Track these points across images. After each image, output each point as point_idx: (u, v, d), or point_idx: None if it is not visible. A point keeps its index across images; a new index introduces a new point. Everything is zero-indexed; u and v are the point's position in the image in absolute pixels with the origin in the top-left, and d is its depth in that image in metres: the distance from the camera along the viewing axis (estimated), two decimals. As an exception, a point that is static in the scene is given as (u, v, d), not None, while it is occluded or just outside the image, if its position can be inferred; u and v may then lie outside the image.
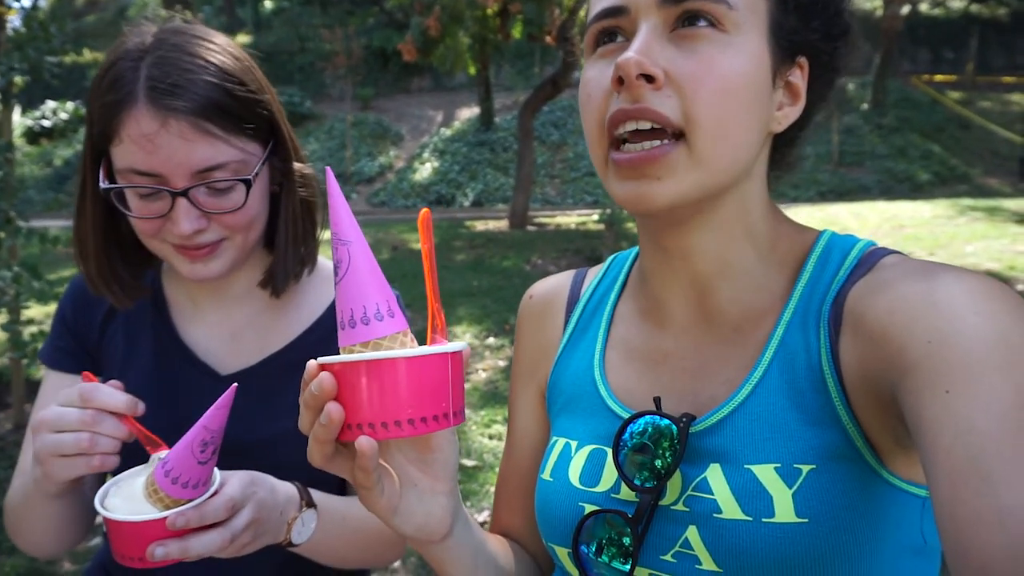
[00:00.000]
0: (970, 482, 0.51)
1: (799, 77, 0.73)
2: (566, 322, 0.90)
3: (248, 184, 0.97)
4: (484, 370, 5.04)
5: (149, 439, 0.86)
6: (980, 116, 16.86)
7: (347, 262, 0.60)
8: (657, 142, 0.66)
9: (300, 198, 1.07)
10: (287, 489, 0.93)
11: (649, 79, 0.65)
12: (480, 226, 10.85)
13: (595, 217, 9.19)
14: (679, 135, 0.67)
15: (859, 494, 0.65)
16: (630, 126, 0.67)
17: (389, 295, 0.61)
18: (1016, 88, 17.79)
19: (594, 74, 0.71)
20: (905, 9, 17.42)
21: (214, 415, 0.78)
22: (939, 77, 18.37)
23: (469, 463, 3.75)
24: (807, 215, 9.99)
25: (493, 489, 3.44)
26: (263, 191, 1.02)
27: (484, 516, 3.28)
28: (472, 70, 11.54)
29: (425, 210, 0.64)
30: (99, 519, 0.90)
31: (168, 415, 1.01)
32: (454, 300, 6.65)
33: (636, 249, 0.89)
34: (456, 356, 0.61)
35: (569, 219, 11.24)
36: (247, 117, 0.97)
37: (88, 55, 18.75)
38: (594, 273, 0.92)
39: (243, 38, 19.95)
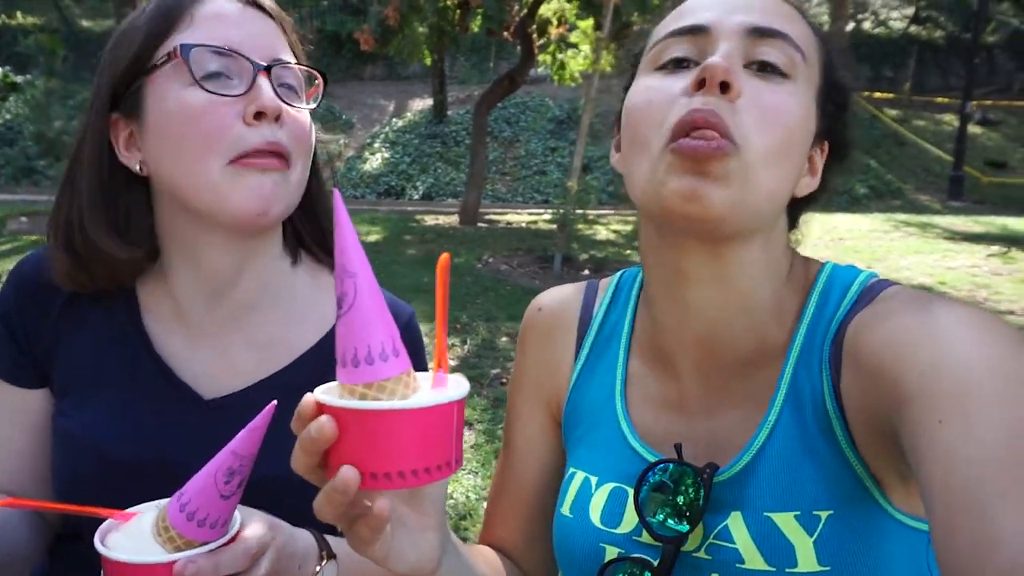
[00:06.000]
0: (965, 511, 0.51)
1: (819, 157, 0.78)
2: (579, 344, 0.88)
3: (324, 77, 0.95)
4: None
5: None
6: (914, 134, 17.56)
7: (352, 296, 0.57)
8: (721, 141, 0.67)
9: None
10: (305, 538, 0.79)
11: (725, 88, 0.67)
12: (431, 220, 10.74)
13: (546, 216, 9.20)
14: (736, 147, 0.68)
15: (874, 536, 0.66)
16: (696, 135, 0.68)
17: (394, 332, 0.58)
18: (948, 108, 18.54)
19: (655, 84, 0.72)
20: (849, 26, 17.98)
21: (246, 439, 0.67)
22: (878, 94, 19.02)
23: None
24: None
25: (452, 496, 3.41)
26: None
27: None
28: (428, 60, 11.41)
29: (445, 255, 0.60)
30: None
31: (143, 448, 0.88)
32: (404, 296, 6.54)
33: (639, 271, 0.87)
34: (460, 403, 0.59)
35: (520, 217, 11.22)
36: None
37: (20, 18, 17.78)
38: (604, 289, 0.91)
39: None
